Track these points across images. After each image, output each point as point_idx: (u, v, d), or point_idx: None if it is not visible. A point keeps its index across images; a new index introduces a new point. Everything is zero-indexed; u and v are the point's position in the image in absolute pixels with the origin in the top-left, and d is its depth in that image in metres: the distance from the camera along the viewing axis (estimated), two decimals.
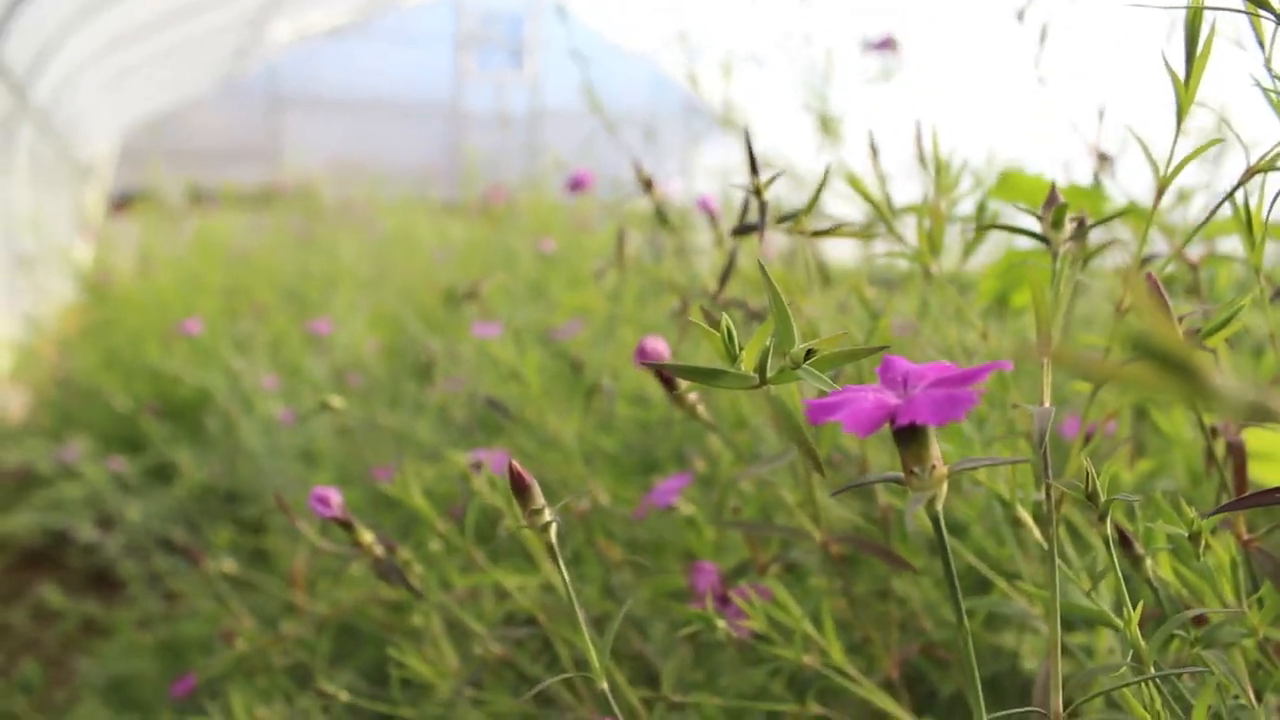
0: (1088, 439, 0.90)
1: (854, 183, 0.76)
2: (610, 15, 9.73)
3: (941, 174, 0.98)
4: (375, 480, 1.87)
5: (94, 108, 7.94)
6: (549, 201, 4.37)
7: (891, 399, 0.40)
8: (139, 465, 2.71)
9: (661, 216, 1.11)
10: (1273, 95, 0.68)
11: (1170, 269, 1.02)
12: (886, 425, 0.40)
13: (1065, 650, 0.90)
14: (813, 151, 1.95)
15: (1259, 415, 0.25)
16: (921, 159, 1.02)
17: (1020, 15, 1.09)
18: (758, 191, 0.69)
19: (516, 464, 0.57)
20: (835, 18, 2.02)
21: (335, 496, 0.81)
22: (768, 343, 0.50)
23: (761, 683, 1.02)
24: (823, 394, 0.45)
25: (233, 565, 1.38)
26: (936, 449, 0.40)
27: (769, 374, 0.51)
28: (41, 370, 4.21)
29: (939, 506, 0.41)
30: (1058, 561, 0.65)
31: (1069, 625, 1.02)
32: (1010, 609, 0.82)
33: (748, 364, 0.52)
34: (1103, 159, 0.98)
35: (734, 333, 0.51)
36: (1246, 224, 0.68)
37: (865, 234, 0.74)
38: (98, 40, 6.48)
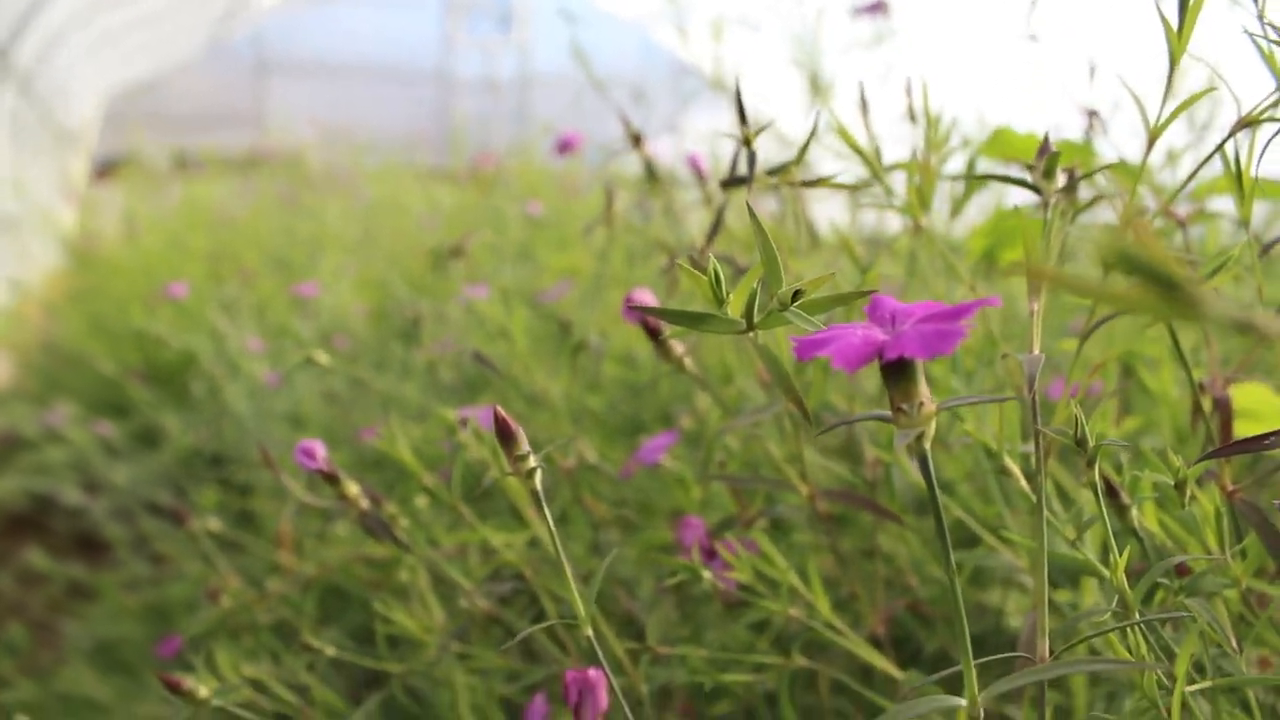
0: (1076, 397, 0.90)
1: (842, 133, 0.75)
2: None
3: (931, 128, 0.97)
4: (362, 441, 1.87)
5: (78, 72, 7.86)
6: (538, 166, 4.34)
7: (879, 335, 0.39)
8: (125, 430, 2.70)
9: (650, 173, 1.10)
10: (1264, 46, 0.67)
11: (1159, 226, 1.02)
12: (875, 364, 0.40)
13: (1051, 606, 0.91)
14: (803, 115, 1.95)
15: (1246, 331, 0.25)
16: (912, 115, 1.02)
17: None
18: (747, 142, 0.69)
19: (502, 411, 0.57)
20: None
21: (320, 449, 0.80)
22: (755, 286, 0.50)
23: (747, 640, 1.02)
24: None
25: (218, 524, 1.38)
26: (925, 386, 0.40)
27: (756, 318, 0.51)
28: (26, 335, 4.18)
29: (927, 445, 0.41)
30: (1044, 513, 0.65)
31: (1054, 583, 1.02)
32: (996, 562, 0.82)
33: (735, 308, 0.52)
34: (1093, 116, 0.97)
35: (721, 276, 0.50)
36: (1236, 176, 0.68)
37: (853, 186, 0.73)
38: (81, 2, 6.40)
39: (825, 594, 0.93)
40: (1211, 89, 0.65)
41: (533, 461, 0.57)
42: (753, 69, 2.72)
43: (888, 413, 0.41)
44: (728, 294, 0.52)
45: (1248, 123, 0.66)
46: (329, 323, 2.46)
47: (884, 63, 1.80)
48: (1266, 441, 0.55)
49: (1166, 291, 0.24)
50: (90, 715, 1.79)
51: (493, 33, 10.78)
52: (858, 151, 0.76)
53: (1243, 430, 1.01)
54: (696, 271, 0.50)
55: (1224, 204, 1.19)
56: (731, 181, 0.74)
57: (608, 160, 2.00)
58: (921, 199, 0.79)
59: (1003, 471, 0.64)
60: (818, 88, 1.73)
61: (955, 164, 1.24)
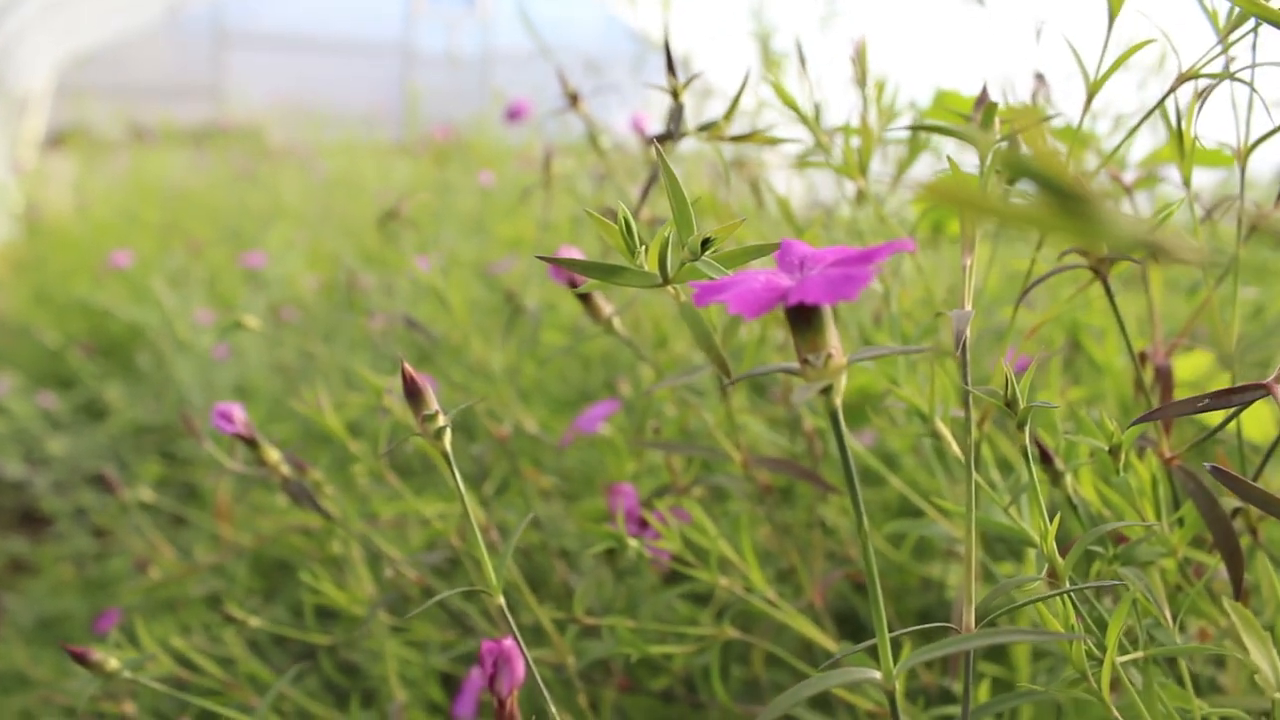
0: (1019, 371, 0.88)
1: (779, 90, 0.73)
2: None
3: (876, 90, 0.95)
4: (307, 397, 1.83)
5: (30, 39, 7.68)
6: (495, 140, 4.29)
7: (784, 281, 0.37)
8: (70, 401, 2.63)
9: (592, 138, 1.07)
10: (1206, 5, 0.65)
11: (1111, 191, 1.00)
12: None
13: (991, 578, 0.89)
14: (756, 85, 1.92)
15: (1149, 250, 0.22)
16: (860, 75, 0.99)
17: None
18: (674, 94, 0.66)
19: (408, 368, 0.54)
20: None
21: (238, 412, 0.77)
22: (668, 239, 0.47)
23: (688, 612, 1.00)
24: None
25: (152, 496, 1.34)
26: (835, 335, 0.38)
27: (671, 270, 0.48)
28: None
29: (837, 400, 0.38)
30: (977, 479, 0.63)
31: (998, 554, 1.01)
32: (934, 531, 0.81)
33: (651, 261, 0.49)
34: (1039, 80, 0.95)
35: (632, 225, 0.48)
36: (1177, 135, 0.66)
37: (784, 140, 0.71)
38: None
39: (763, 565, 0.91)
40: (1149, 40, 0.63)
41: (441, 420, 0.54)
42: (709, 39, 2.69)
43: (794, 365, 0.38)
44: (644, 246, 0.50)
45: (1188, 77, 0.64)
46: (279, 295, 2.41)
47: (838, 34, 1.78)
48: (1199, 405, 0.53)
49: (1068, 206, 0.22)
50: (26, 691, 1.75)
51: (456, 6, 10.65)
52: (794, 109, 0.73)
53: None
54: (606, 221, 0.47)
55: (1173, 171, 1.18)
56: (662, 137, 0.71)
57: (554, 123, 1.97)
58: (860, 160, 0.77)
59: (935, 436, 0.61)
60: (770, 60, 1.71)
61: (901, 128, 1.22)
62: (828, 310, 0.37)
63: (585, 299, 0.72)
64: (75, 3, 7.64)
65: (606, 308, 0.72)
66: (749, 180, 1.22)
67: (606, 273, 0.49)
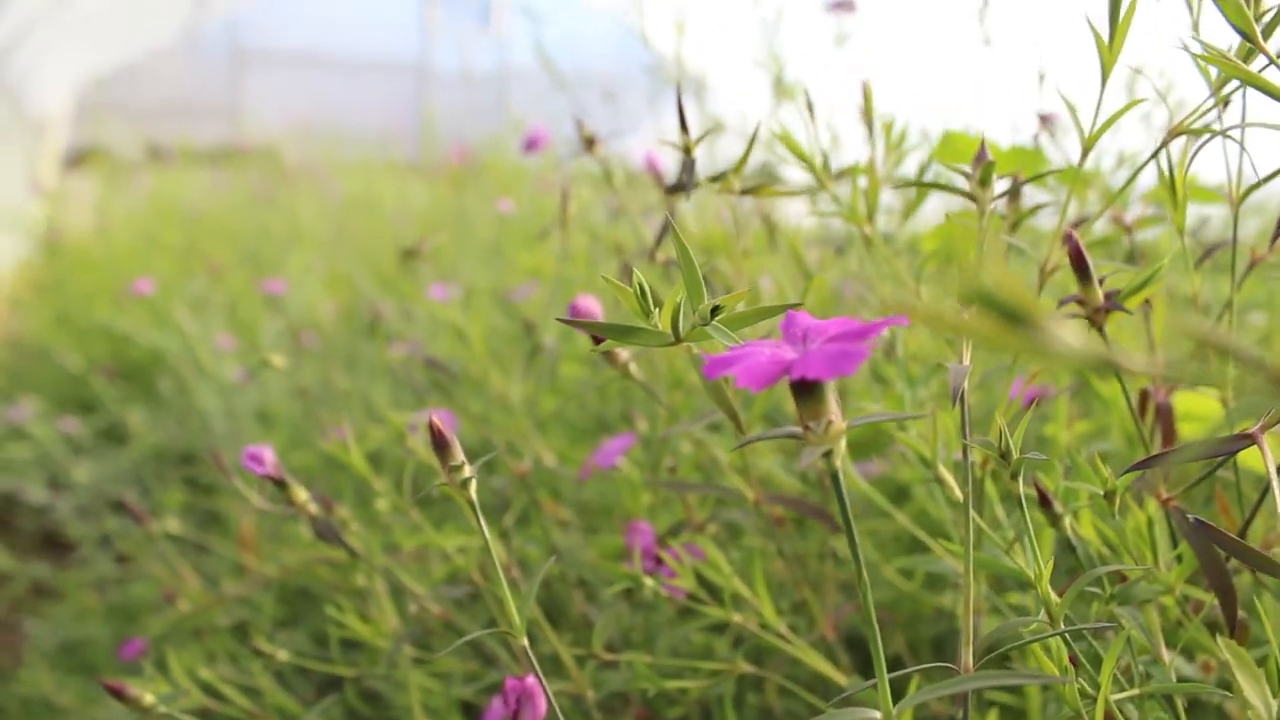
0: (1030, 403, 0.92)
1: (786, 140, 0.76)
2: None
3: (885, 133, 0.99)
4: (333, 435, 1.87)
5: (48, 60, 7.80)
6: (512, 162, 4.34)
7: (788, 354, 0.40)
8: (92, 426, 2.69)
9: (607, 176, 1.11)
10: (1200, 60, 0.68)
11: (1111, 231, 1.03)
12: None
13: (998, 610, 0.92)
14: (768, 112, 1.96)
15: (1099, 367, 0.26)
16: (868, 118, 1.03)
17: None
18: (687, 150, 0.70)
19: (436, 420, 0.57)
20: None
21: (269, 455, 0.81)
22: (680, 300, 0.51)
23: (704, 643, 1.03)
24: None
25: (178, 526, 1.38)
26: (834, 404, 0.41)
27: (682, 332, 0.52)
28: None
29: (837, 462, 0.42)
30: (981, 520, 0.67)
31: (1005, 586, 1.04)
32: (942, 567, 0.84)
33: (664, 322, 0.53)
34: (1044, 121, 0.99)
35: (647, 290, 0.51)
36: (1170, 184, 0.69)
37: (793, 192, 0.74)
38: None
39: (782, 598, 0.94)
40: (1140, 100, 0.66)
41: (467, 471, 0.57)
42: (724, 65, 2.73)
43: (797, 430, 0.42)
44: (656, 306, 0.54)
45: (1179, 132, 0.67)
46: (299, 319, 2.45)
47: (848, 62, 1.81)
48: (1186, 455, 0.56)
49: (1020, 329, 0.25)
50: (50, 719, 1.79)
51: (472, 24, 10.74)
52: (802, 158, 0.77)
53: (1187, 432, 1.02)
54: (622, 285, 0.51)
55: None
56: (674, 188, 0.75)
57: (571, 160, 2.01)
58: (868, 205, 0.80)
59: (937, 481, 0.65)
60: (781, 86, 1.75)
61: (910, 165, 1.26)
62: (827, 382, 0.41)
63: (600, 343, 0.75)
64: (93, 24, 7.75)
65: (622, 354, 0.76)
66: (762, 214, 1.25)
67: (622, 333, 0.53)
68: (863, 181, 0.87)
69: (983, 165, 0.66)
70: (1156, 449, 0.86)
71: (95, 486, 2.46)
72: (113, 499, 2.46)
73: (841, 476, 0.43)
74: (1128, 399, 0.69)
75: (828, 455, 0.41)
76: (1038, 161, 1.03)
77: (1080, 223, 0.93)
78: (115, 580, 2.25)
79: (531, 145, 1.83)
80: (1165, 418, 0.82)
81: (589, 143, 0.97)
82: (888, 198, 1.15)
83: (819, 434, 0.41)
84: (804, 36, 1.87)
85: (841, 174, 1.07)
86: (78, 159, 8.88)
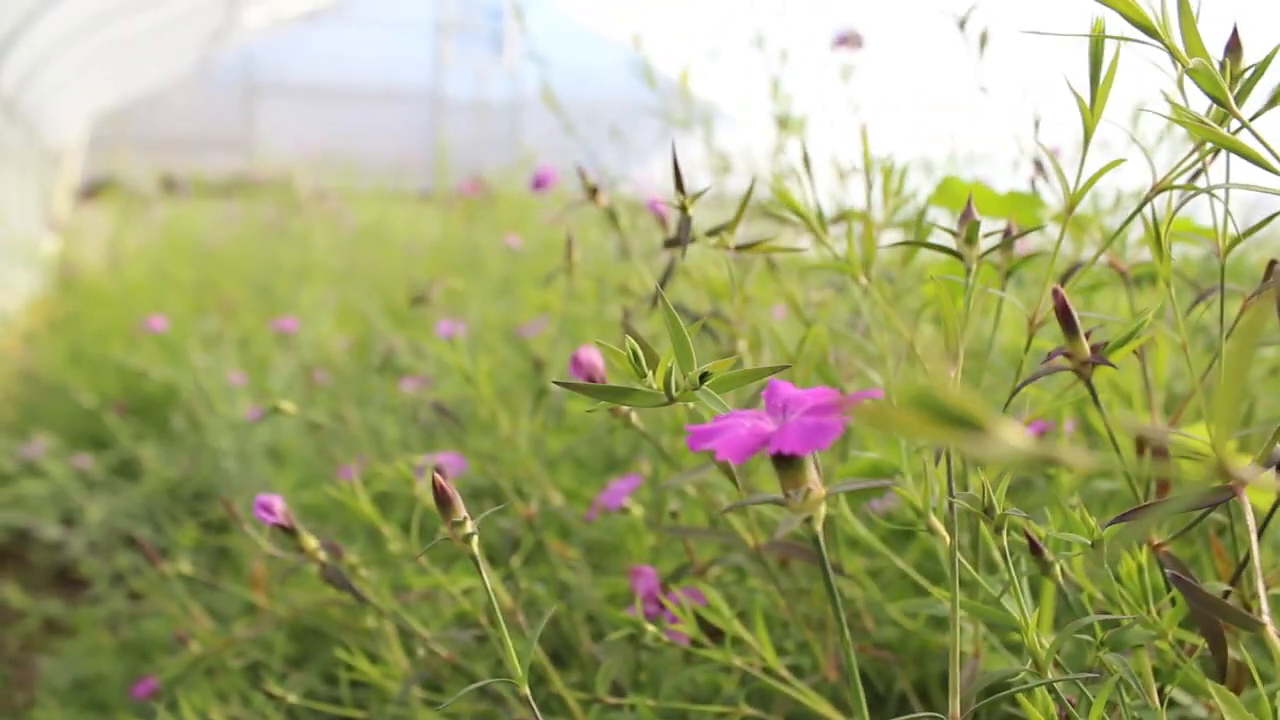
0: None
1: (782, 195, 0.79)
2: (592, 2, 9.77)
3: (884, 178, 1.01)
4: (341, 479, 1.90)
5: (63, 93, 7.91)
6: (523, 192, 4.38)
7: (768, 426, 0.43)
8: (105, 462, 2.72)
9: (612, 218, 1.14)
10: (1184, 113, 0.71)
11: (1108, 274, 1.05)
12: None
13: (996, 649, 0.94)
14: (775, 145, 1.99)
15: (1046, 463, 0.28)
16: (865, 164, 1.06)
17: (961, 24, 1.12)
18: (683, 208, 0.73)
19: (439, 477, 0.60)
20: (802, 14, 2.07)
21: (279, 504, 0.83)
22: (671, 365, 0.53)
23: (710, 682, 1.05)
24: (707, 416, 0.48)
25: (190, 567, 1.41)
26: (813, 472, 0.43)
27: (674, 393, 0.54)
28: (5, 364, 4.21)
29: (817, 527, 0.44)
30: (976, 565, 0.69)
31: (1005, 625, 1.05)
32: (942, 610, 0.86)
33: (657, 383, 0.55)
34: (1038, 167, 1.01)
35: (640, 354, 0.54)
36: (1155, 237, 0.72)
37: (790, 250, 0.77)
38: (67, 24, 6.46)
39: (780, 638, 0.96)
40: (1120, 161, 0.68)
41: (469, 527, 0.60)
42: (729, 94, 2.77)
43: (780, 496, 0.44)
44: (652, 365, 0.56)
45: (1162, 188, 0.70)
46: (310, 356, 2.49)
47: (853, 96, 1.84)
48: (1171, 506, 0.58)
49: (963, 430, 0.27)
50: None
51: (484, 54, 10.85)
52: (799, 213, 0.80)
53: (1188, 470, 1.04)
54: (616, 350, 0.54)
55: (1181, 247, 1.23)
56: (671, 243, 0.77)
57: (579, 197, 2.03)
58: (864, 256, 0.83)
59: (930, 531, 0.67)
60: (786, 123, 1.78)
61: (912, 198, 1.28)
62: (806, 454, 0.43)
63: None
64: (108, 57, 7.86)
65: (622, 408, 0.78)
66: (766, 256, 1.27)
67: (619, 395, 0.56)
68: (859, 227, 0.89)
69: (969, 224, 0.68)
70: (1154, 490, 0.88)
71: (108, 522, 2.49)
72: (124, 534, 2.49)
73: (821, 539, 0.45)
74: (1116, 447, 0.71)
75: (808, 520, 0.44)
76: (1033, 205, 1.06)
77: (1074, 269, 0.95)
78: (128, 616, 2.27)
79: (540, 184, 1.87)
80: (1160, 460, 0.84)
81: (592, 193, 1.00)
82: (891, 233, 1.17)
83: (799, 502, 0.43)
84: (810, 68, 1.90)
85: (840, 217, 1.10)
86: (92, 190, 8.99)
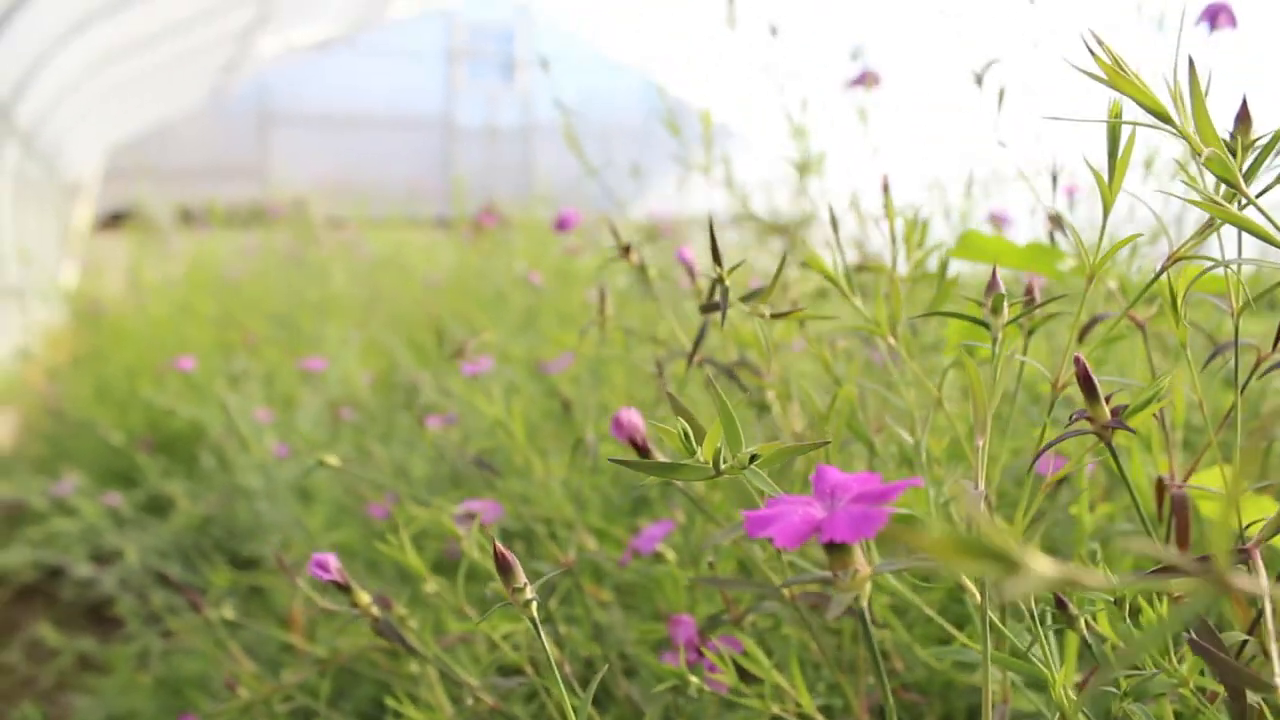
0: (1059, 483, 0.98)
1: (813, 261, 0.83)
2: (602, 26, 9.85)
3: (907, 232, 1.06)
4: (371, 517, 1.94)
5: (80, 126, 8.02)
6: (539, 218, 4.44)
7: (818, 513, 0.47)
8: (134, 498, 2.77)
9: (642, 274, 1.18)
10: (1199, 191, 0.75)
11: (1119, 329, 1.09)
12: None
13: (1020, 689, 0.97)
14: (796, 187, 2.03)
15: (1068, 586, 0.32)
16: (890, 216, 1.10)
17: (979, 80, 1.17)
18: (720, 279, 0.77)
19: (500, 546, 0.64)
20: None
21: (333, 561, 0.88)
22: (720, 444, 0.57)
23: None
24: (763, 498, 0.52)
25: (231, 611, 1.45)
26: (859, 555, 0.48)
27: (722, 468, 0.58)
28: (29, 396, 4.28)
29: (863, 603, 0.48)
30: (1003, 616, 0.73)
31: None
32: (970, 656, 0.89)
33: (707, 456, 0.60)
34: (1056, 221, 1.05)
35: (690, 434, 0.58)
36: (1172, 305, 0.76)
37: (821, 316, 0.81)
38: (84, 58, 6.56)
39: (813, 680, 1.00)
40: (1137, 235, 0.73)
41: (529, 594, 0.64)
42: (748, 117, 2.81)
43: (829, 574, 0.49)
44: (699, 441, 0.60)
45: (1178, 258, 0.74)
46: (336, 392, 2.54)
47: (872, 136, 1.89)
48: (1166, 572, 0.62)
49: (998, 562, 0.31)
50: None
51: (496, 80, 10.96)
52: (828, 277, 0.84)
53: (1207, 511, 1.08)
54: (667, 428, 0.58)
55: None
56: (708, 308, 0.82)
57: (596, 186, 2.06)
58: (890, 318, 0.87)
59: (960, 588, 0.71)
60: (808, 165, 1.83)
61: (923, 314, 1.33)
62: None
63: (645, 454, 0.82)
64: (124, 90, 7.97)
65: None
66: (794, 304, 1.32)
67: (670, 470, 0.60)
68: (878, 289, 0.94)
69: (994, 295, 0.72)
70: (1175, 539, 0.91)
71: (139, 560, 2.54)
72: (155, 569, 2.54)
73: (867, 613, 0.49)
74: (1134, 497, 0.75)
75: (856, 598, 0.48)
76: (1053, 257, 1.10)
77: (1094, 321, 0.99)
78: (160, 654, 2.32)
79: (562, 225, 1.91)
80: (1180, 510, 0.88)
81: (625, 250, 1.04)
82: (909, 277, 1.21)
83: (845, 581, 0.47)
84: (829, 96, 1.94)
85: (864, 268, 1.14)
86: (109, 221, 9.10)
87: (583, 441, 1.19)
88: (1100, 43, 0.64)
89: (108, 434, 2.78)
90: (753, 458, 0.55)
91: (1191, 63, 0.65)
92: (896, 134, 1.84)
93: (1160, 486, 0.95)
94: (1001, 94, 1.16)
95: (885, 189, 1.16)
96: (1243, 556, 0.62)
